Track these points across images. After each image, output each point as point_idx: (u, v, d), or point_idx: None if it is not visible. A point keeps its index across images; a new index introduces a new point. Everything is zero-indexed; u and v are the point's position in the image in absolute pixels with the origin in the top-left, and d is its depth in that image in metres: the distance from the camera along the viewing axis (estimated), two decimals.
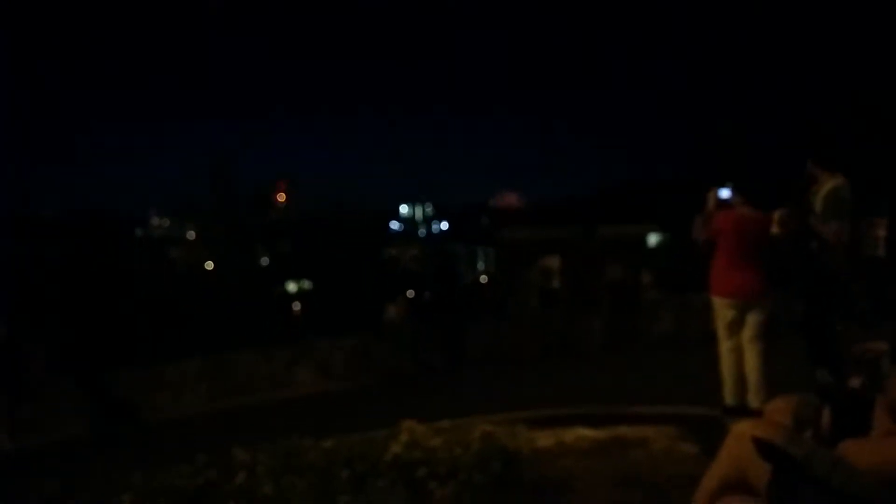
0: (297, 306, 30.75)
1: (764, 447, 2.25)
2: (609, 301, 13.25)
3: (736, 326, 5.57)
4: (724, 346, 5.63)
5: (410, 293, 14.76)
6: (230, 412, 10.00)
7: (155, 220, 46.51)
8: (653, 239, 25.62)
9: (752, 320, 5.52)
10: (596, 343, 12.11)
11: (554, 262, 13.74)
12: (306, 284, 32.90)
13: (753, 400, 5.40)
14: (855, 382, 2.86)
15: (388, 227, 62.23)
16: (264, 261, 31.98)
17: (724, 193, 5.72)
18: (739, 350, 5.55)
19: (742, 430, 2.42)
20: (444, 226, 77.79)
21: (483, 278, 37.56)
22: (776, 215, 5.45)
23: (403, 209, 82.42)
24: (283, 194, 48.12)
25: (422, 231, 79.19)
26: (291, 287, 33.63)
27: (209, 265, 30.28)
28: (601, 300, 13.03)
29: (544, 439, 5.13)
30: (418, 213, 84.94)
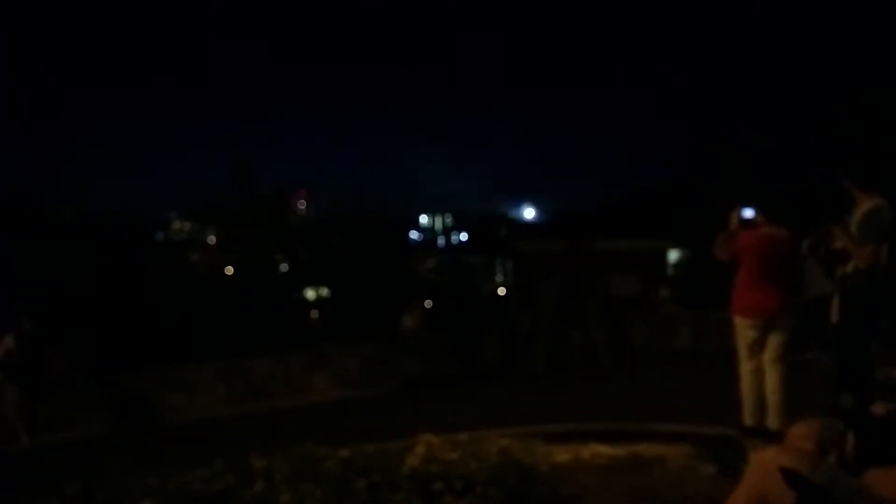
0: (314, 314, 30.81)
1: (790, 476, 2.24)
2: (622, 314, 13.20)
3: (757, 347, 5.51)
4: (745, 366, 5.58)
5: (428, 303, 14.74)
6: (246, 416, 10.05)
7: (176, 224, 46.83)
8: (673, 255, 25.48)
9: (774, 341, 5.47)
10: (610, 357, 12.06)
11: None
12: (324, 292, 32.95)
13: (773, 422, 5.34)
14: (879, 409, 2.83)
15: (408, 237, 62.34)
16: (283, 267, 32.03)
17: (748, 213, 5.69)
18: (760, 371, 5.50)
19: (766, 458, 2.40)
20: (464, 237, 77.87)
21: (501, 290, 37.51)
22: (804, 244, 5.38)
23: (423, 219, 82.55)
24: (304, 201, 48.35)
25: (441, 241, 79.27)
26: (310, 294, 33.70)
27: (229, 270, 30.45)
28: (609, 313, 12.94)
29: (561, 455, 5.11)
30: (438, 223, 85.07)
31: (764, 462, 2.38)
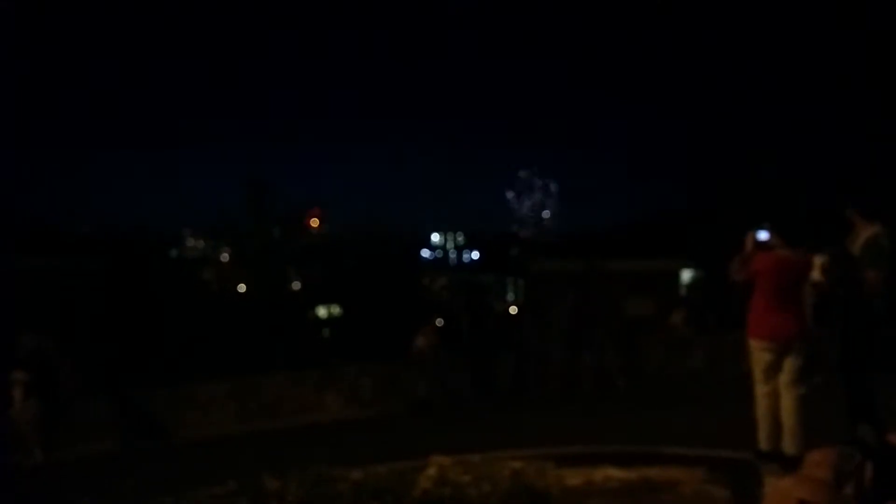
0: (326, 333, 30.73)
1: None
2: (636, 336, 13.11)
3: (773, 370, 5.49)
4: (761, 389, 5.55)
5: (440, 322, 14.70)
6: (258, 434, 10.03)
7: (190, 242, 47.17)
8: (686, 275, 25.33)
9: (790, 364, 5.44)
10: (625, 379, 12.00)
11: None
12: (336, 310, 32.90)
13: (789, 446, 5.30)
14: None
15: (420, 256, 62.41)
16: (296, 285, 32.05)
17: (763, 235, 5.69)
18: (776, 394, 5.47)
19: (783, 489, 2.38)
20: (476, 255, 77.78)
21: (513, 309, 37.38)
22: (819, 262, 5.39)
23: (435, 238, 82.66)
24: (317, 219, 48.46)
25: (453, 259, 79.30)
26: (322, 312, 33.67)
27: (241, 288, 30.55)
28: (623, 335, 12.85)
29: (573, 478, 5.09)
30: (450, 241, 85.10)
31: (781, 494, 2.36)
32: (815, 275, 5.42)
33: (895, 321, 5.83)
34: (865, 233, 5.36)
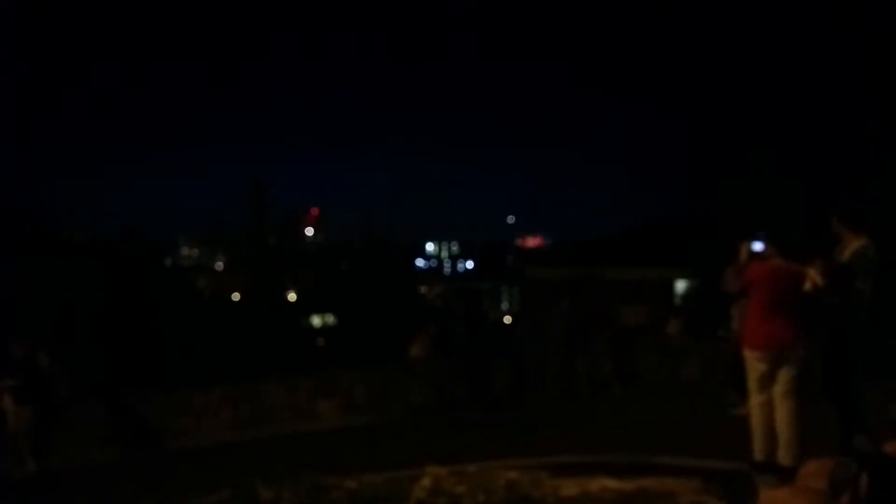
0: (321, 341, 30.57)
1: None
2: (630, 344, 13.15)
3: (767, 380, 5.48)
4: (755, 400, 5.54)
5: (434, 330, 14.73)
6: (253, 442, 10.00)
7: (185, 250, 47.20)
8: (680, 285, 25.37)
9: (785, 375, 5.44)
10: (620, 386, 12.02)
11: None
12: (330, 319, 32.75)
13: (784, 457, 5.29)
14: (892, 448, 2.80)
15: (414, 265, 62.41)
16: (292, 296, 31.91)
17: (757, 246, 5.70)
18: (771, 405, 5.47)
19: (781, 500, 2.38)
20: (470, 265, 77.93)
21: (507, 318, 37.39)
22: (819, 269, 5.38)
23: (429, 247, 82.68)
24: (311, 228, 48.38)
25: (447, 269, 79.33)
26: (316, 321, 33.52)
27: (236, 296, 30.45)
28: (617, 342, 12.89)
29: (568, 488, 5.06)
30: (444, 251, 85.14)
31: None
32: (808, 286, 5.42)
33: (878, 330, 5.89)
34: (853, 244, 5.38)
